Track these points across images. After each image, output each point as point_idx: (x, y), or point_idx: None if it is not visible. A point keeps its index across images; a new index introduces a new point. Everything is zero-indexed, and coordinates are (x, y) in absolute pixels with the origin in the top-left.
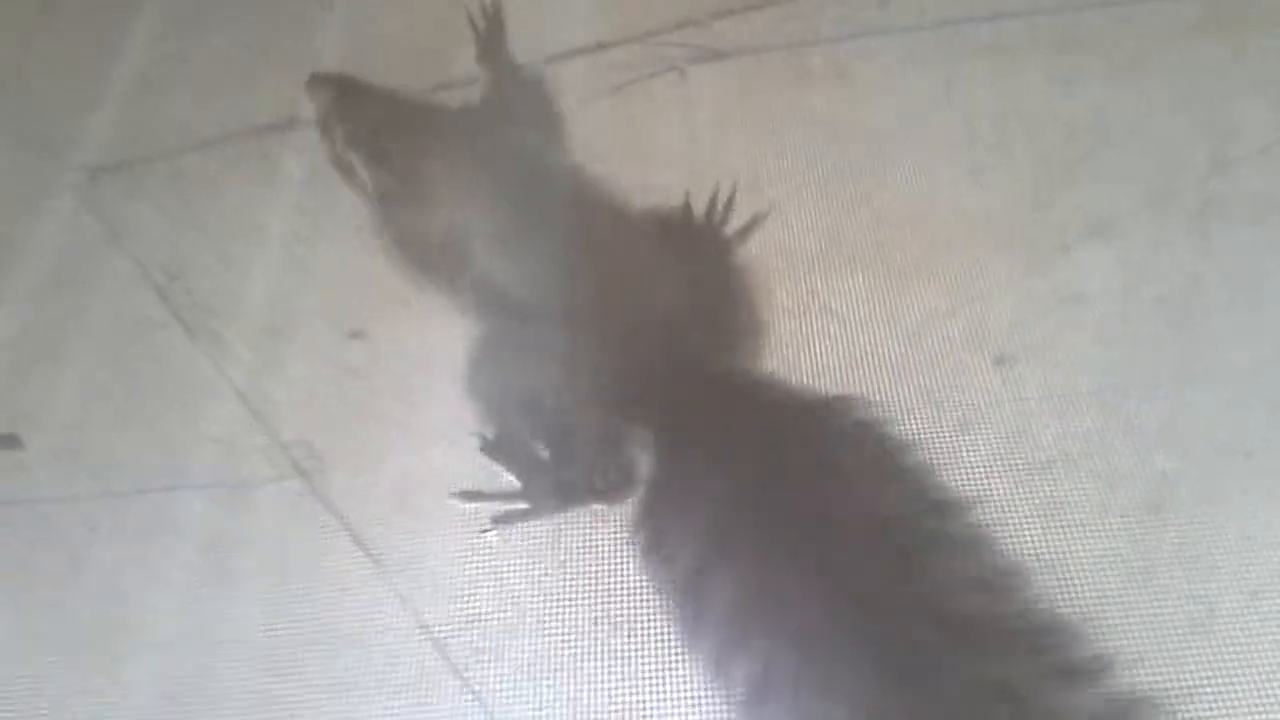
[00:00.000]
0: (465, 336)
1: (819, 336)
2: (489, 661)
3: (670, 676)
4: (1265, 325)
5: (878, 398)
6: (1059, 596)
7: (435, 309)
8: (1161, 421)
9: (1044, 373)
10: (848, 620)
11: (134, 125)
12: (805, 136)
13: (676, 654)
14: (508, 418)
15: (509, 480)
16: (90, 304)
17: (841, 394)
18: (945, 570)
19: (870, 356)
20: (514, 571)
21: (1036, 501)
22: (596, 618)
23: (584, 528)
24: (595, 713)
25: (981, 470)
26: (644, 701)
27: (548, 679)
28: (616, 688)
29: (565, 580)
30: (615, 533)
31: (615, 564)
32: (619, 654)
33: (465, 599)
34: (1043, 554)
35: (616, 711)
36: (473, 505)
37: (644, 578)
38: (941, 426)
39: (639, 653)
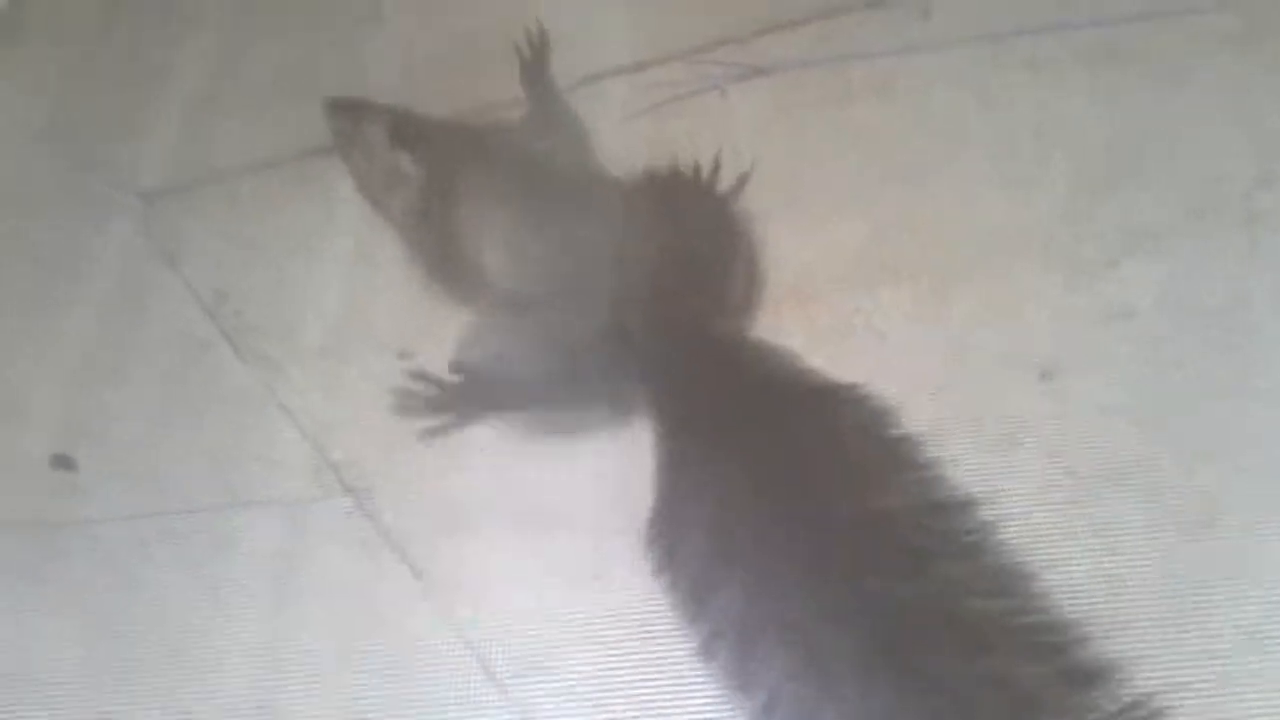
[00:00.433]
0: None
1: (860, 353)
2: (534, 680)
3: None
4: None
5: (919, 415)
6: (1106, 616)
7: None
8: (1208, 437)
9: (1089, 388)
10: (859, 624)
11: (188, 148)
12: (846, 152)
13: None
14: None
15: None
16: (143, 326)
17: (847, 382)
18: (956, 571)
19: (912, 373)
20: (559, 589)
21: (1082, 520)
22: (644, 635)
23: (629, 545)
24: None
25: (1026, 488)
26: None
27: (594, 697)
28: (666, 706)
29: (610, 597)
30: None
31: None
32: (667, 671)
33: (510, 617)
34: (1090, 573)
35: None
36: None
37: (659, 588)
38: (985, 443)
39: (688, 670)
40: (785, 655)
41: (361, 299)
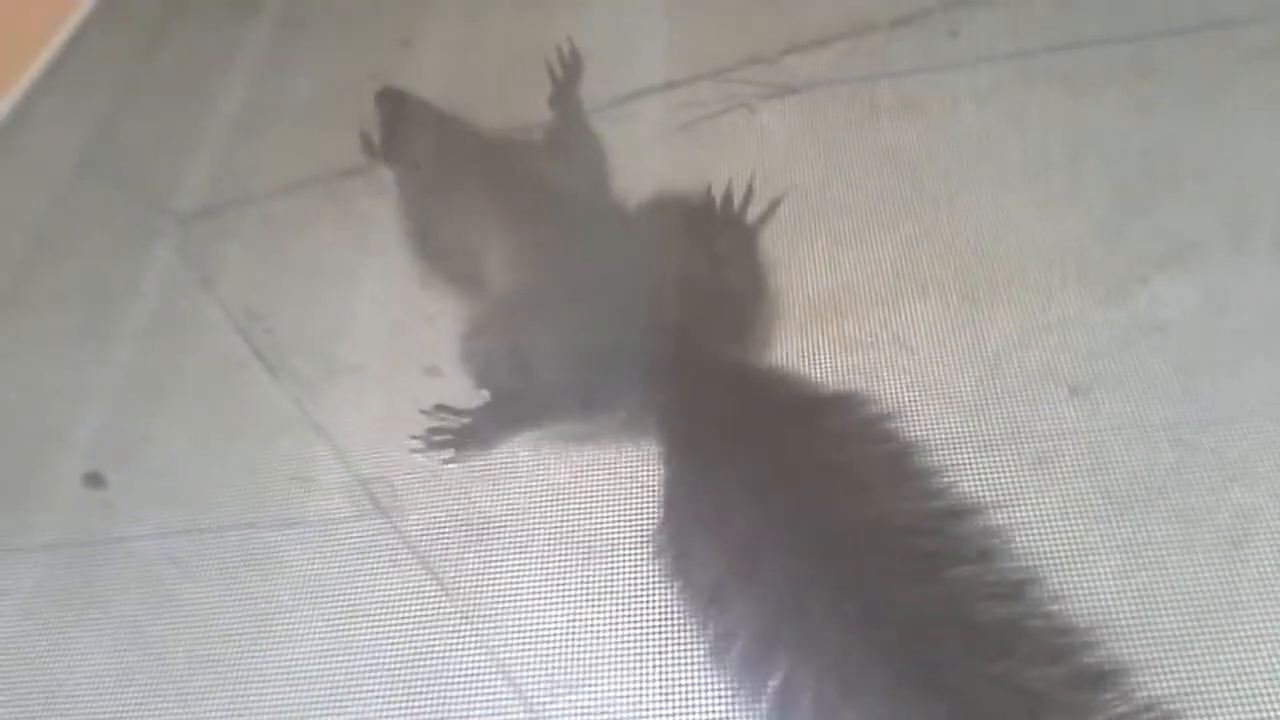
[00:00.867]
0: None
1: (889, 369)
2: (563, 697)
3: (744, 712)
4: None
5: (950, 431)
6: (1136, 630)
7: None
8: (1242, 454)
9: (1121, 404)
10: (871, 629)
11: (225, 172)
12: (875, 169)
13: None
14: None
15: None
16: (178, 346)
17: (850, 390)
18: (966, 577)
19: (942, 389)
20: (589, 608)
21: (1114, 536)
22: (670, 657)
23: (657, 570)
24: None
25: (1058, 504)
26: None
27: (620, 716)
28: None
29: (637, 618)
30: None
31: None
32: (693, 693)
33: (540, 635)
34: (1120, 589)
35: None
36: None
37: (673, 596)
38: (1017, 460)
39: (714, 691)
40: (798, 659)
41: (391, 318)
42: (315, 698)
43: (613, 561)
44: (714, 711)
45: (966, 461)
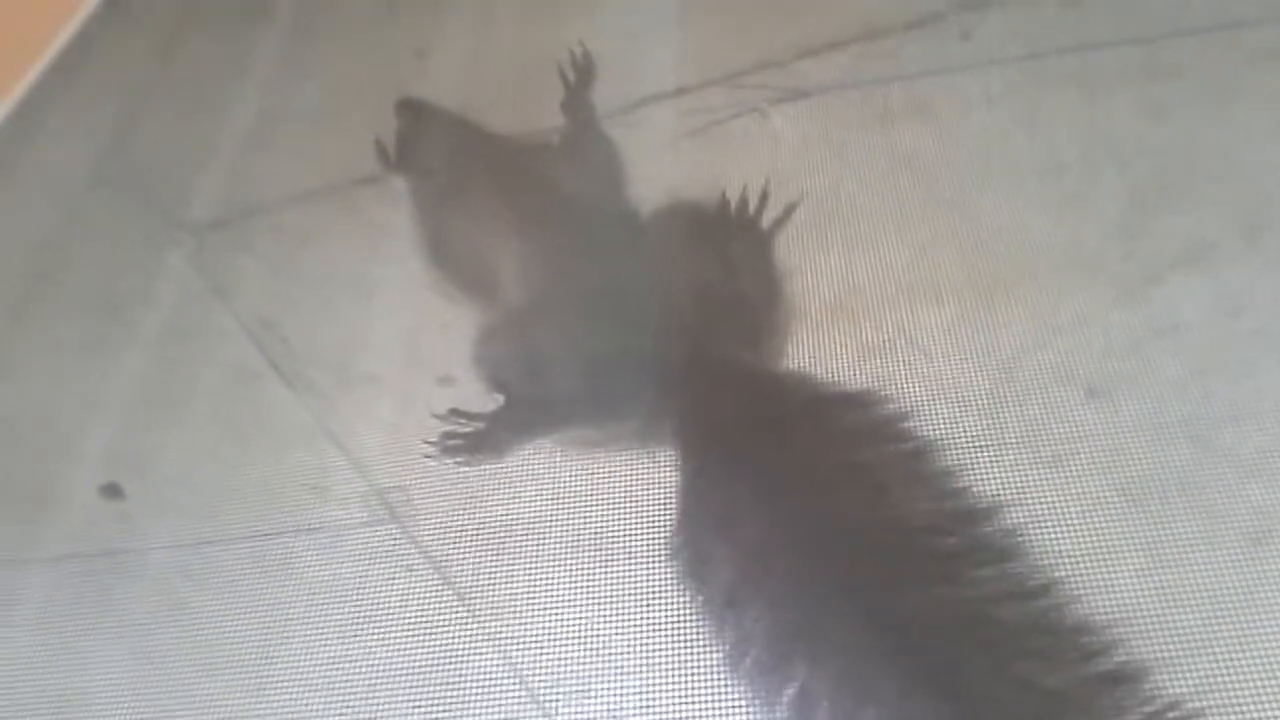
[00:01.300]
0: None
1: (905, 372)
2: (578, 702)
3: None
4: None
5: (966, 433)
6: (1156, 635)
7: None
8: (1258, 453)
9: (1138, 405)
10: (889, 631)
11: (238, 182)
12: (888, 172)
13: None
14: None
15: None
16: (193, 356)
17: (865, 389)
18: (984, 577)
19: (957, 391)
20: (602, 614)
21: (1132, 537)
22: (686, 663)
23: (672, 576)
24: None
25: (1075, 506)
26: None
27: None
28: None
29: (653, 625)
30: None
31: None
32: (709, 700)
33: (554, 641)
34: (1140, 593)
35: None
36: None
37: (689, 601)
38: (1033, 461)
39: (729, 698)
40: (816, 661)
41: (405, 326)
42: (330, 705)
43: (627, 567)
44: (728, 717)
45: (983, 463)
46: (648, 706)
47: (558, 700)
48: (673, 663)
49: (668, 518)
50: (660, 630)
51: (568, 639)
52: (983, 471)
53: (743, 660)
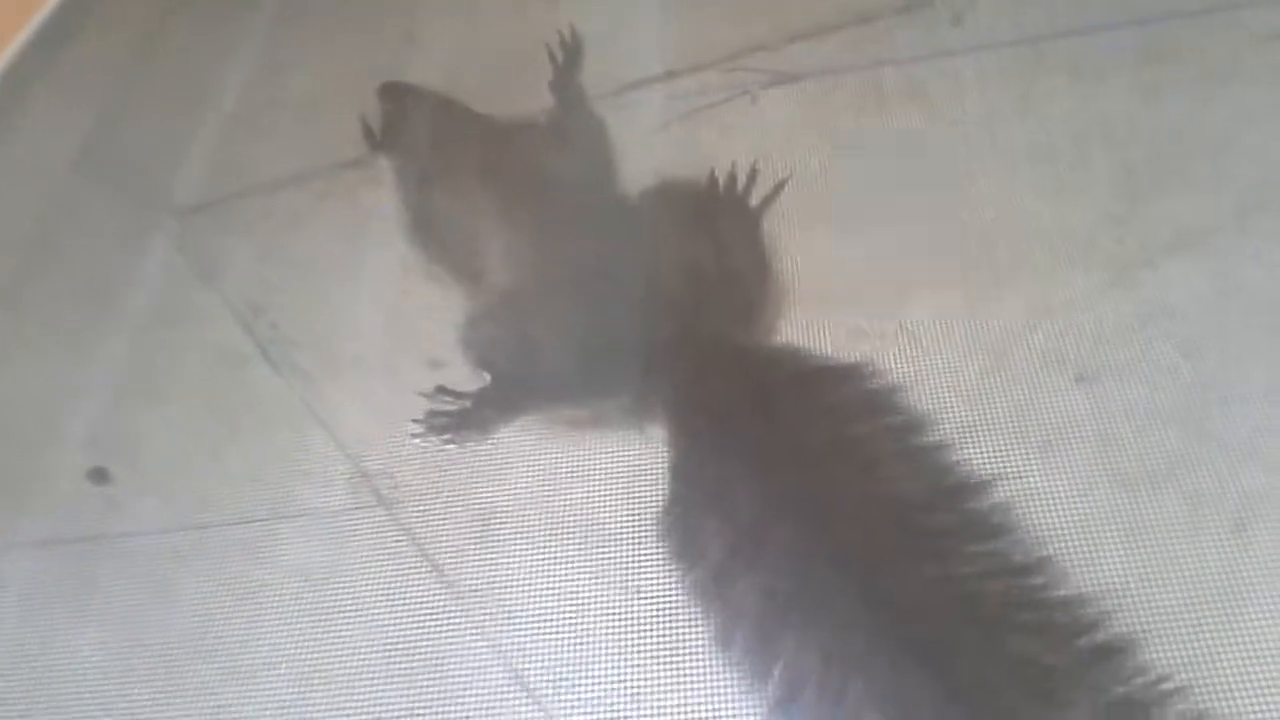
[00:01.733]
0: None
1: (896, 357)
2: (564, 687)
3: (748, 704)
4: None
5: (955, 417)
6: (1145, 618)
7: None
8: (1248, 438)
9: (1129, 389)
10: (877, 608)
11: (225, 165)
12: (880, 157)
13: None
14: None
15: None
16: (179, 340)
17: (856, 363)
18: (973, 554)
19: (947, 375)
20: (589, 597)
21: (1121, 522)
22: (673, 645)
23: (664, 557)
24: None
25: (1065, 490)
26: None
27: (622, 706)
28: (694, 716)
29: (640, 608)
30: None
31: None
32: (696, 681)
33: (541, 626)
34: (1129, 575)
35: None
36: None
37: (676, 580)
38: (1023, 446)
39: (717, 679)
40: (805, 637)
41: (393, 310)
42: (317, 688)
43: (614, 550)
44: (716, 698)
45: (972, 448)
46: (635, 689)
47: (544, 683)
48: (660, 645)
49: (654, 500)
50: (647, 612)
51: (554, 622)
52: (970, 455)
53: (732, 637)
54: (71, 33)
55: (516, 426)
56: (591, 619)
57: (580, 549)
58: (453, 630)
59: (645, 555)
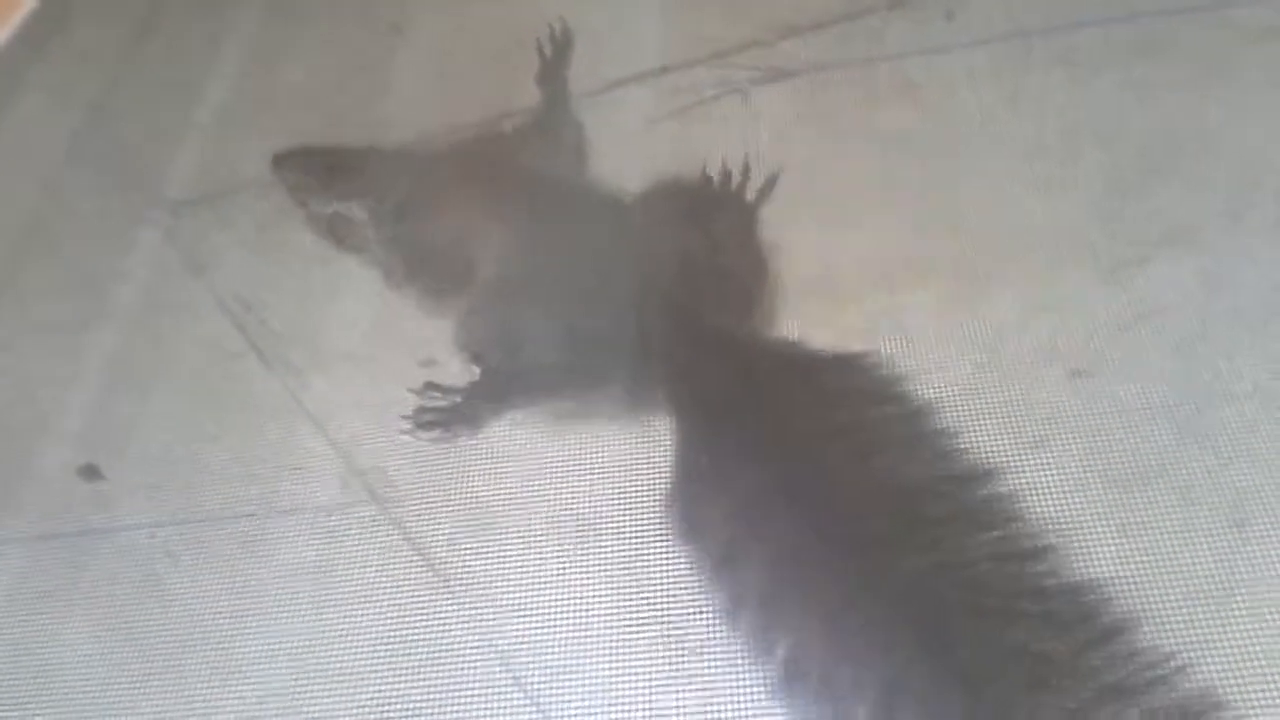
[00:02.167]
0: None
1: (887, 352)
2: (559, 682)
3: (744, 698)
4: None
5: (950, 414)
6: (1139, 614)
7: None
8: (1240, 435)
9: (1120, 386)
10: (878, 593)
11: (216, 159)
12: (872, 152)
13: (749, 675)
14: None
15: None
16: (170, 335)
17: (859, 351)
18: (974, 541)
19: (940, 371)
20: (584, 591)
21: (1114, 518)
22: (668, 640)
23: (658, 551)
24: None
25: (1057, 486)
26: None
27: (617, 701)
28: (689, 711)
29: (636, 603)
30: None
31: (688, 586)
32: (691, 677)
33: (535, 621)
34: (1121, 572)
35: None
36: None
37: (682, 561)
38: (1016, 442)
39: (712, 675)
40: (807, 622)
41: (385, 307)
42: (308, 684)
43: (610, 544)
44: (712, 693)
45: (965, 443)
46: (631, 684)
47: (539, 679)
48: (657, 640)
49: (650, 494)
50: (641, 606)
51: (550, 618)
52: (965, 451)
53: (736, 620)
54: (61, 25)
55: (508, 421)
56: (587, 614)
57: (573, 543)
58: (445, 625)
59: (638, 549)
